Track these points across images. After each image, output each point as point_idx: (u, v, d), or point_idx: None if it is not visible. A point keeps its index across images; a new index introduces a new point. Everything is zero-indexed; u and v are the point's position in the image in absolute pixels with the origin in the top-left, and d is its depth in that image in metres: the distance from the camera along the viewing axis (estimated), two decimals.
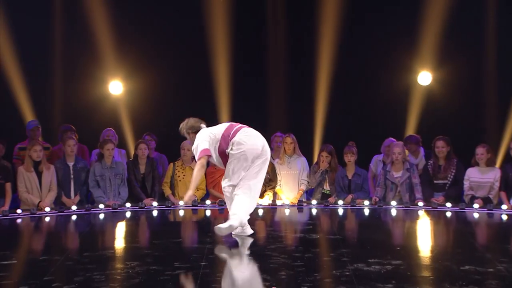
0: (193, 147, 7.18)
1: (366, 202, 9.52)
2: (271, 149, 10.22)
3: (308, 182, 9.91)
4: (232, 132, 7.12)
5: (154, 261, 6.15)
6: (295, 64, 11.82)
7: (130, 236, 7.96)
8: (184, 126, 7.40)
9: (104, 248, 7.11)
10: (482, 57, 11.60)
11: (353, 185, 9.75)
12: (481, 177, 9.47)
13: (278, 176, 9.89)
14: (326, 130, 11.70)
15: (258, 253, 6.51)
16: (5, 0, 11.33)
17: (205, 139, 7.09)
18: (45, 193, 9.29)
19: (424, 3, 11.39)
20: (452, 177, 9.59)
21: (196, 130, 7.29)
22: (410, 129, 11.55)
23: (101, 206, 9.27)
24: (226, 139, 7.08)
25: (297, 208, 9.54)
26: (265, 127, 11.19)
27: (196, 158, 7.08)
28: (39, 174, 9.29)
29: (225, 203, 7.38)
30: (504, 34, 11.47)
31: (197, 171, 7.06)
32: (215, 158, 7.16)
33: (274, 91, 11.84)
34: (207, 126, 7.37)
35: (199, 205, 9.51)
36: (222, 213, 9.08)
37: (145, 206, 9.44)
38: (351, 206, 9.47)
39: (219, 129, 7.20)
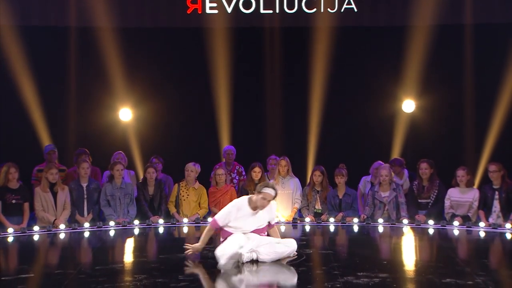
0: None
1: (355, 220, 9.52)
2: (267, 170, 10.27)
3: (301, 201, 9.91)
4: None
5: (160, 274, 6.16)
6: (290, 93, 11.86)
7: (138, 251, 7.96)
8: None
9: (114, 262, 7.11)
10: (461, 87, 11.66)
11: (344, 204, 9.74)
12: (461, 196, 9.48)
13: None
14: (318, 153, 11.72)
15: (255, 267, 6.51)
16: (26, 35, 11.40)
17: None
18: (60, 212, 9.29)
19: (408, 38, 11.46)
20: (434, 196, 9.60)
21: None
22: (395, 153, 11.57)
23: (112, 223, 9.26)
24: None
25: (292, 225, 9.53)
26: (262, 150, 11.28)
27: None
28: (55, 194, 9.29)
29: None
30: (480, 66, 11.55)
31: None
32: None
33: (271, 117, 11.87)
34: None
35: (201, 222, 9.51)
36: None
37: (152, 223, 9.44)
38: (341, 223, 9.47)
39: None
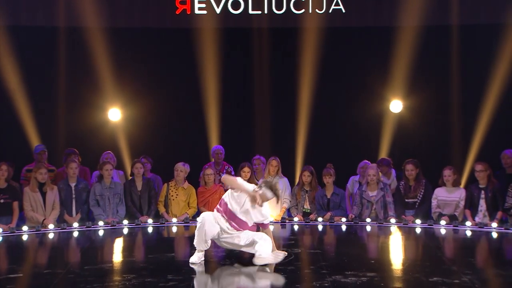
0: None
1: (343, 219, 9.54)
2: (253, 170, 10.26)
3: (290, 201, 9.92)
4: None
5: (149, 273, 6.15)
6: (278, 93, 11.85)
7: (127, 250, 7.94)
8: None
9: (103, 262, 7.10)
10: (447, 87, 11.69)
11: (332, 203, 9.77)
12: (447, 196, 9.52)
13: None
14: (306, 153, 11.72)
15: (245, 266, 6.51)
16: (15, 35, 11.34)
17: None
18: (49, 212, 9.25)
19: (395, 38, 11.49)
20: (421, 196, 9.63)
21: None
22: (383, 152, 11.59)
23: (101, 223, 9.23)
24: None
25: (280, 225, 9.54)
26: (250, 150, 11.27)
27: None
28: (44, 194, 9.26)
29: None
30: (467, 67, 11.59)
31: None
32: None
33: (259, 117, 11.86)
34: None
35: (190, 222, 9.49)
36: None
37: (141, 223, 9.41)
38: (329, 222, 9.48)
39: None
